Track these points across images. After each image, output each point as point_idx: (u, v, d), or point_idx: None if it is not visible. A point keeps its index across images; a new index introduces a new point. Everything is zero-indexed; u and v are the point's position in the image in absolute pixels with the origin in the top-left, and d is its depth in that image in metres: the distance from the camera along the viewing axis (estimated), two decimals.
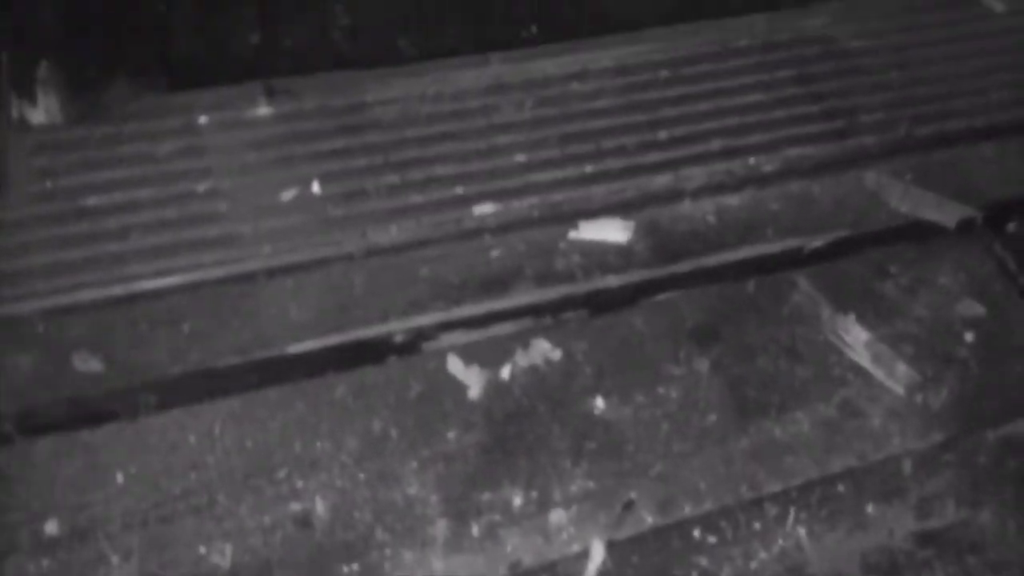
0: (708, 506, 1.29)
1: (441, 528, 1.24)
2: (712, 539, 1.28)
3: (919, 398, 1.43)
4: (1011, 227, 1.59)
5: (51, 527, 1.16)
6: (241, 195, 1.41)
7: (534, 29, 2.21)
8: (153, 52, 1.61)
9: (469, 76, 1.56)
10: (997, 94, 1.69)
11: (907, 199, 1.58)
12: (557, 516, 1.26)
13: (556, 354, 1.39)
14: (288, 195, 1.42)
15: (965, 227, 1.58)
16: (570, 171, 1.51)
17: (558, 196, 1.48)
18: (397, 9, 2.18)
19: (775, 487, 1.33)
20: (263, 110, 1.48)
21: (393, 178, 1.46)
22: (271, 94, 1.51)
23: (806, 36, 1.71)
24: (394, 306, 1.36)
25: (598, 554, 1.23)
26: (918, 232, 1.58)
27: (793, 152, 1.59)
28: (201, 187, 1.40)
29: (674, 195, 1.52)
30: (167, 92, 1.52)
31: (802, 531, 1.33)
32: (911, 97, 1.67)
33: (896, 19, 1.76)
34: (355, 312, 1.35)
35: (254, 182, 1.42)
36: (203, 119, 1.47)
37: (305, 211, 1.41)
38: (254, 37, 2.09)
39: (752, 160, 1.57)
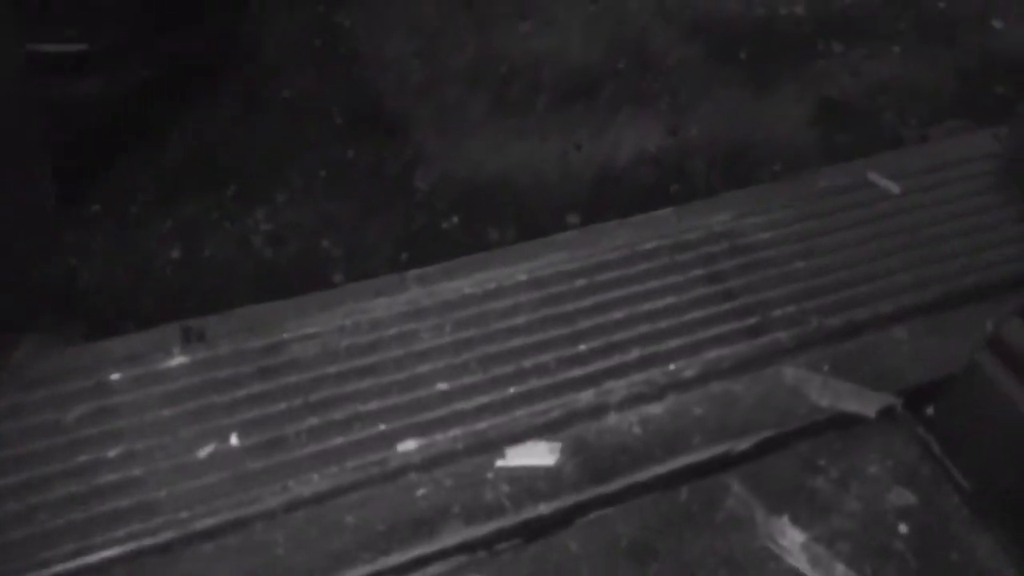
0: None
1: None
2: None
3: None
4: (930, 410, 1.55)
5: None
6: (156, 457, 1.29)
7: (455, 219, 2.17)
8: (65, 303, 1.54)
9: (385, 303, 1.50)
10: (901, 276, 1.66)
11: (826, 392, 1.53)
12: None
13: None
14: (205, 451, 1.31)
15: (886, 414, 1.54)
16: (493, 396, 1.42)
17: (482, 424, 1.40)
18: (319, 212, 2.13)
19: None
20: (177, 360, 1.39)
21: (314, 420, 1.36)
22: (187, 338, 1.42)
23: (713, 232, 1.67)
24: (319, 563, 1.25)
25: None
26: (842, 422, 1.53)
27: (711, 354, 1.53)
28: (113, 452, 1.29)
29: (598, 410, 1.44)
30: (79, 343, 1.43)
31: None
32: (818, 287, 1.63)
33: (797, 207, 1.74)
34: (278, 574, 1.25)
35: (169, 441, 1.32)
36: (115, 376, 1.36)
37: (223, 467, 1.30)
38: (175, 251, 2.02)
39: (671, 366, 1.51)
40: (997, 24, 2.87)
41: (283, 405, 1.38)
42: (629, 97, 2.44)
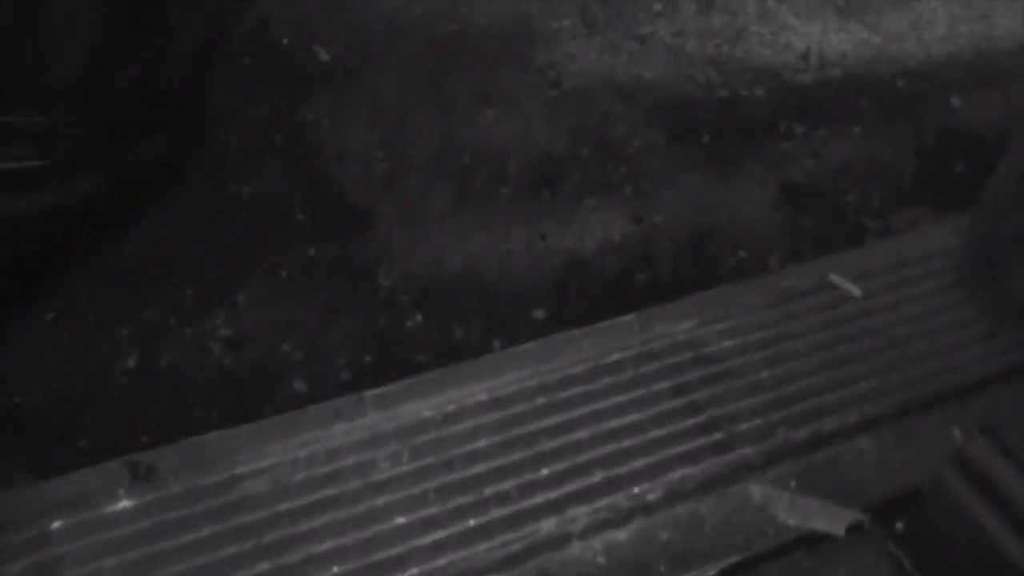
0: None
1: None
2: None
3: None
4: (900, 525, 1.50)
5: None
6: None
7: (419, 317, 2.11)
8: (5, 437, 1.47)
9: (343, 429, 1.43)
10: (866, 383, 1.62)
11: (794, 511, 1.47)
12: None
13: None
14: None
15: (855, 530, 1.49)
16: (452, 529, 1.35)
17: (441, 560, 1.32)
18: (280, 314, 2.07)
19: None
20: (123, 503, 1.30)
21: (265, 565, 1.27)
22: (135, 475, 1.35)
23: (677, 342, 1.63)
24: None
25: None
26: (811, 540, 1.47)
27: (676, 474, 1.46)
28: None
29: (561, 540, 1.37)
30: (21, 479, 1.36)
31: None
32: (784, 397, 1.58)
33: (761, 312, 1.69)
34: None
35: None
36: (57, 523, 1.27)
37: None
38: (131, 360, 1.95)
39: (636, 489, 1.45)
40: (955, 101, 2.86)
41: (234, 549, 1.30)
42: (593, 185, 2.40)
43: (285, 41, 2.61)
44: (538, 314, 2.12)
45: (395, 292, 2.10)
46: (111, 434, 1.76)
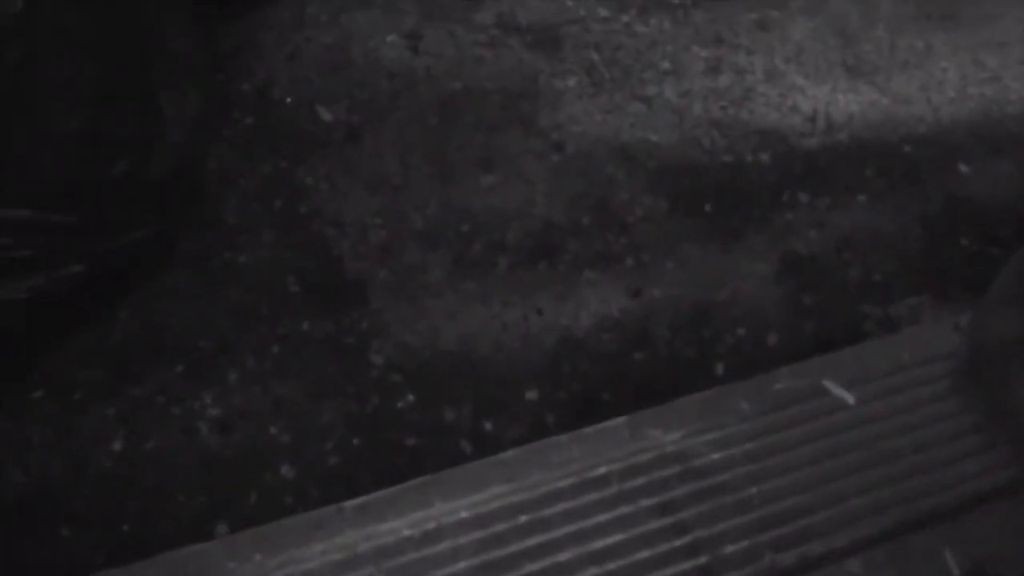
0: None
1: None
2: None
3: None
4: None
5: None
6: None
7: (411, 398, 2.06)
8: None
9: (320, 549, 1.38)
10: (857, 500, 1.55)
11: None
12: None
13: None
14: None
15: None
16: None
17: None
18: (270, 394, 2.02)
19: None
20: None
21: None
22: None
23: (665, 454, 1.57)
24: None
25: None
26: None
27: None
28: None
29: None
30: None
31: None
32: (772, 516, 1.52)
33: (752, 421, 1.63)
34: None
35: None
36: None
37: None
38: (116, 443, 1.90)
39: None
40: (963, 169, 2.79)
41: None
42: (592, 256, 2.34)
43: (288, 100, 2.56)
44: (531, 395, 2.06)
45: (387, 370, 2.05)
46: (92, 523, 1.72)
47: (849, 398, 1.65)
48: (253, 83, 2.59)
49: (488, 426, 1.99)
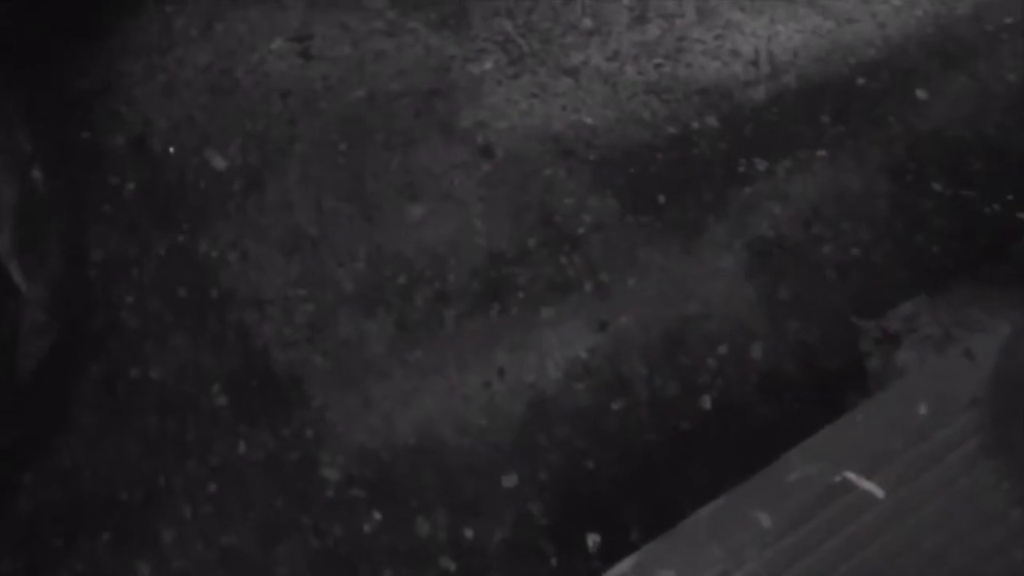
0: None
1: None
2: None
3: None
4: None
5: None
6: None
7: None
8: None
9: None
10: None
11: None
12: None
13: None
14: None
15: None
16: None
17: None
18: (214, 547, 1.69)
19: None
20: None
21: None
22: None
23: None
24: None
25: None
26: None
27: None
28: None
29: None
30: None
31: None
32: None
33: (767, 538, 1.35)
34: None
35: None
36: None
37: None
38: None
39: None
40: (921, 95, 2.44)
41: None
42: (546, 288, 1.99)
43: (171, 150, 2.12)
44: (509, 482, 1.75)
45: (345, 486, 1.72)
46: None
47: (877, 491, 1.36)
48: (127, 134, 2.13)
49: (468, 533, 1.68)
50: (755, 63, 2.39)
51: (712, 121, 2.26)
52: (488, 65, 2.32)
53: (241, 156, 2.08)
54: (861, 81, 2.38)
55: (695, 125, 2.25)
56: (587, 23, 2.44)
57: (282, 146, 2.10)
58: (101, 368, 1.77)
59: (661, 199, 2.11)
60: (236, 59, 2.25)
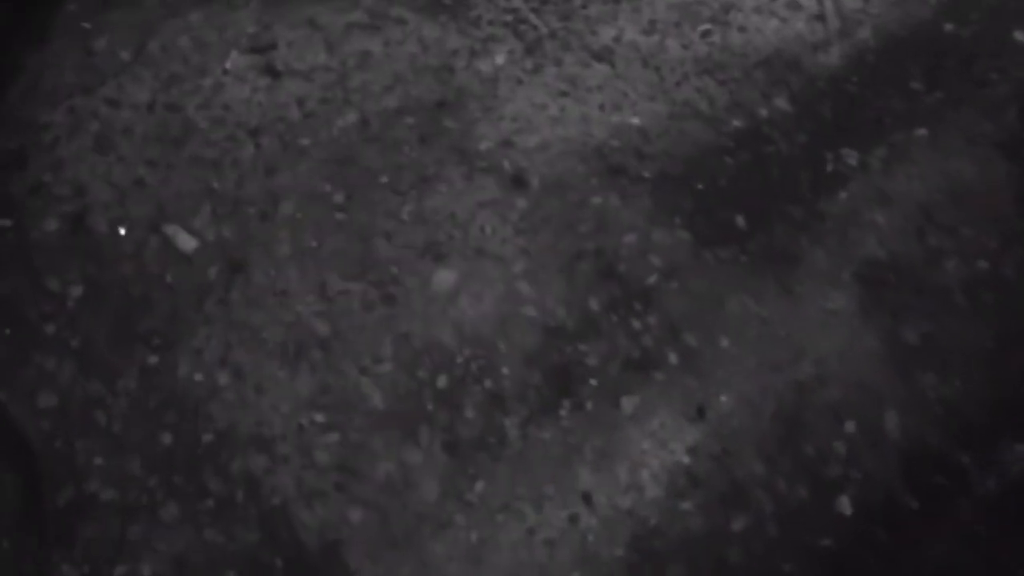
0: None
1: None
2: None
3: None
4: None
5: None
6: None
7: None
8: None
9: None
10: None
11: None
12: None
13: None
14: None
15: None
16: None
17: None
18: None
19: None
20: None
21: None
22: None
23: None
24: None
25: None
26: None
27: None
28: None
29: None
30: None
31: None
32: None
33: None
34: None
35: None
36: None
37: None
38: None
39: None
40: (1019, 36, 1.85)
41: None
42: (624, 368, 1.41)
43: (122, 230, 1.48)
44: None
45: None
46: None
47: None
48: (59, 214, 1.49)
49: None
50: (821, 17, 1.76)
51: (783, 103, 1.66)
52: (500, 58, 1.67)
53: (213, 229, 1.46)
54: (949, 27, 1.76)
55: (763, 112, 1.64)
56: None
57: (263, 208, 1.48)
58: (75, 572, 1.22)
59: (741, 222, 1.53)
60: (184, 88, 1.59)
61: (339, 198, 1.40)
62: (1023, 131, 1.54)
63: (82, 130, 1.41)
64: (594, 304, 1.34)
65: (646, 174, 1.45)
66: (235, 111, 1.45)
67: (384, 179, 1.41)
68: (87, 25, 1.50)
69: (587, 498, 1.21)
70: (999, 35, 1.64)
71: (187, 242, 1.32)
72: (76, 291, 1.29)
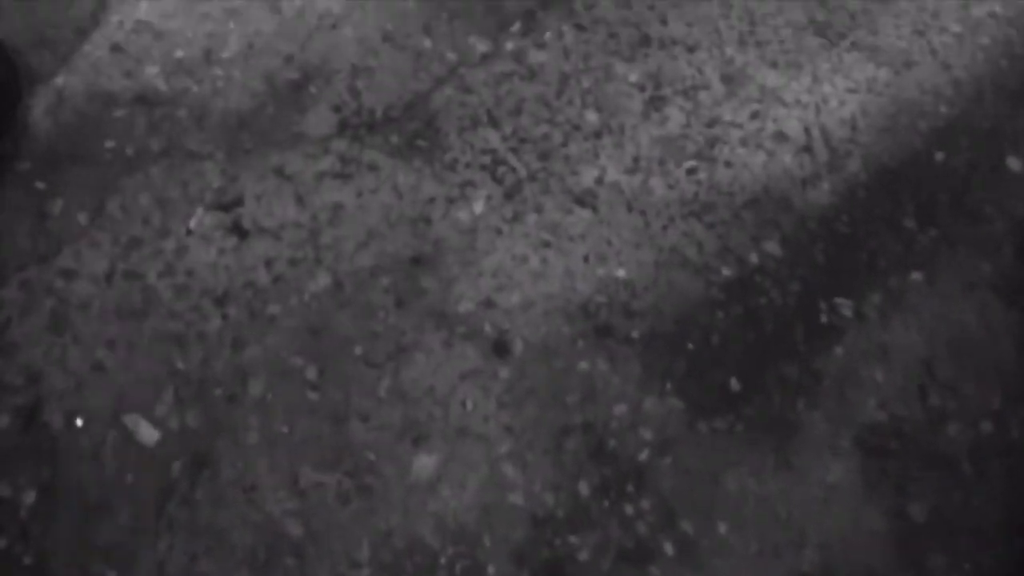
0: None
1: None
2: None
3: None
4: None
5: None
6: None
7: None
8: None
9: None
10: None
11: None
12: None
13: None
14: None
15: None
16: None
17: None
18: None
19: None
20: None
21: None
22: None
23: None
24: None
25: None
26: None
27: None
28: None
29: None
30: None
31: None
32: None
33: None
34: None
35: None
36: None
37: None
38: None
39: None
40: (1013, 164, 1.71)
41: None
42: (616, 558, 1.25)
43: (79, 422, 1.32)
44: None
45: None
46: None
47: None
48: (11, 406, 1.31)
49: None
50: (808, 149, 1.61)
51: (773, 247, 1.51)
52: (479, 205, 1.52)
53: (177, 416, 1.29)
54: (940, 156, 1.62)
55: (754, 258, 1.49)
56: (591, 117, 1.63)
57: (230, 390, 1.31)
58: None
59: (735, 384, 1.38)
60: (145, 253, 1.42)
61: (311, 374, 1.23)
62: (1021, 272, 1.39)
63: (36, 308, 1.24)
64: (584, 488, 1.19)
65: (635, 334, 1.30)
66: (200, 277, 1.28)
67: (359, 350, 1.25)
68: (41, 185, 1.33)
69: None
70: (992, 163, 1.50)
71: (149, 434, 1.16)
72: (29, 498, 1.13)
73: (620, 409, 1.23)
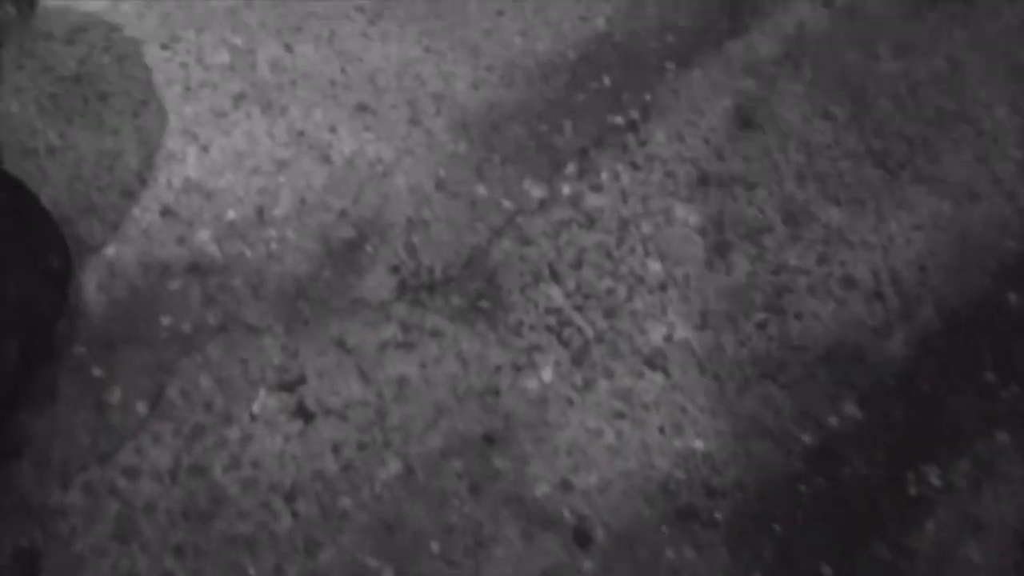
0: None
1: None
2: None
3: None
4: None
5: None
6: None
7: None
8: None
9: None
10: None
11: None
12: None
13: None
14: None
15: None
16: None
17: None
18: None
19: None
20: None
21: None
22: None
23: None
24: None
25: None
26: None
27: None
28: None
29: None
30: None
31: None
32: None
33: None
34: None
35: None
36: None
37: None
38: None
39: None
40: None
41: None
42: None
43: None
44: None
45: None
46: None
47: None
48: None
49: None
50: (879, 295, 1.50)
51: (851, 408, 1.39)
52: (547, 373, 1.40)
53: None
54: (1013, 298, 1.52)
55: (833, 421, 1.38)
56: (655, 267, 1.51)
57: None
58: None
59: (826, 571, 1.28)
60: (209, 443, 1.31)
61: None
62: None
63: (100, 513, 1.13)
64: None
65: (718, 515, 1.18)
66: (267, 468, 1.17)
67: (435, 546, 1.14)
68: (98, 372, 1.22)
69: None
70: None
71: None
72: None
73: None
